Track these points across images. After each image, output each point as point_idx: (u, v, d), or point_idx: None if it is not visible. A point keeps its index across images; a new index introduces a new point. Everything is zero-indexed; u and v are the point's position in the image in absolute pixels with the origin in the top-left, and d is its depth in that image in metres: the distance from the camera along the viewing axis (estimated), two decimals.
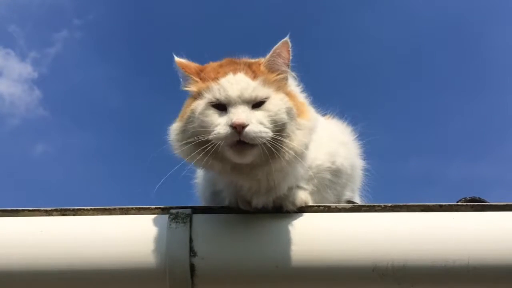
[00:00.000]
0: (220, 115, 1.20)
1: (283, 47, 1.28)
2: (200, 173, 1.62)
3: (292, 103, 1.24)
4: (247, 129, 1.15)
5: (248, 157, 1.17)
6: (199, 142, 1.19)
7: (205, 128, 1.20)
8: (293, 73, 1.33)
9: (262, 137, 1.15)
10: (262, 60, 1.31)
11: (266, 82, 1.24)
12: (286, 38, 1.28)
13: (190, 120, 1.24)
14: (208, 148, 1.17)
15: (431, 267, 1.21)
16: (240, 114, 1.17)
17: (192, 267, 1.20)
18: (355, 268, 1.22)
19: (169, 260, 1.20)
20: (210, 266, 1.21)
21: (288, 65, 1.30)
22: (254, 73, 1.25)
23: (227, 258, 1.22)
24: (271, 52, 1.29)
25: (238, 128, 1.15)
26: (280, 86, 1.27)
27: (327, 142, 1.43)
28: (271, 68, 1.28)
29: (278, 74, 1.28)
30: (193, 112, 1.24)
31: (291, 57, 1.29)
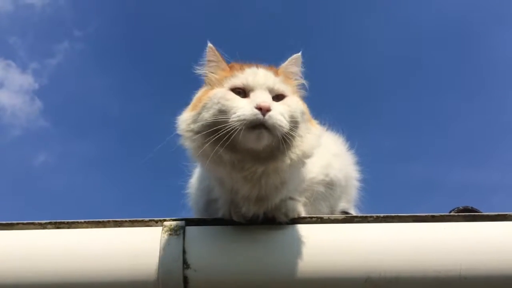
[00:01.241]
0: (242, 100, 1.22)
1: (297, 60, 1.37)
2: (193, 183, 1.63)
3: (305, 108, 1.29)
4: (270, 113, 1.17)
5: (264, 141, 1.17)
6: (214, 130, 1.18)
7: (225, 112, 1.19)
8: (304, 83, 1.38)
9: (281, 126, 1.17)
10: (279, 67, 1.37)
11: (284, 82, 1.29)
12: (299, 53, 1.37)
13: (207, 106, 1.23)
14: (224, 133, 1.16)
15: (423, 277, 1.21)
16: (265, 97, 1.21)
17: (185, 279, 1.20)
18: (348, 279, 1.22)
19: (163, 272, 1.21)
20: (203, 278, 1.22)
21: (300, 77, 1.37)
22: (275, 72, 1.31)
23: (220, 270, 1.23)
24: (287, 61, 1.37)
25: (263, 110, 1.16)
26: (294, 91, 1.33)
27: (321, 155, 1.43)
28: (287, 74, 1.35)
29: (293, 83, 1.35)
30: (210, 98, 1.24)
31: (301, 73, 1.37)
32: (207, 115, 1.21)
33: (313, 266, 1.23)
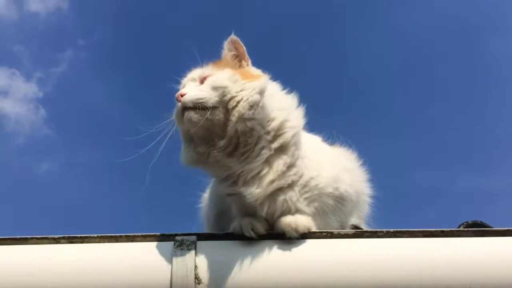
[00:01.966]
0: None
1: (229, 43, 1.50)
2: (205, 197, 1.67)
3: (236, 73, 1.40)
4: (185, 96, 1.34)
5: (194, 118, 1.32)
6: (183, 140, 1.41)
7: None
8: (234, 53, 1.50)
9: (199, 99, 1.33)
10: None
11: (215, 67, 1.45)
12: (231, 36, 1.50)
13: None
14: (181, 134, 1.41)
15: None
16: (182, 90, 1.37)
17: None
18: None
19: (174, 287, 1.22)
20: None
21: (237, 54, 1.50)
22: (205, 66, 1.48)
23: (231, 285, 1.23)
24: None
25: (178, 99, 1.35)
26: (229, 67, 1.44)
27: (330, 167, 1.44)
28: (224, 58, 1.49)
29: (226, 61, 1.48)
30: None
31: (243, 48, 1.50)
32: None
33: (323, 281, 1.24)
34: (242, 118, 1.31)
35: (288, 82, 1.52)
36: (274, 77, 1.50)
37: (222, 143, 1.33)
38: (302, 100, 1.49)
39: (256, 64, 1.53)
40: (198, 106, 1.32)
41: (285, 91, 1.50)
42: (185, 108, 1.33)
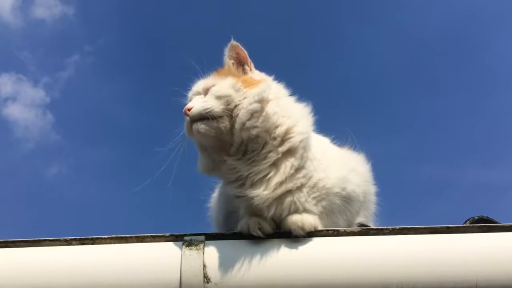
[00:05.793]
0: None
1: (231, 49, 1.52)
2: (214, 197, 1.69)
3: (238, 80, 1.42)
4: (192, 109, 1.38)
5: (202, 129, 1.36)
6: (198, 149, 1.46)
7: None
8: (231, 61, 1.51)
9: (205, 109, 1.37)
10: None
11: (217, 76, 1.47)
12: (231, 41, 1.52)
13: None
14: (196, 144, 1.46)
15: None
16: (189, 104, 1.41)
17: None
18: None
19: (184, 286, 1.24)
20: None
21: (239, 59, 1.51)
22: (207, 76, 1.51)
23: (239, 283, 1.25)
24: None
25: (185, 113, 1.40)
26: (231, 74, 1.46)
27: (338, 167, 1.46)
28: (225, 68, 1.51)
29: (229, 69, 1.49)
30: None
31: (244, 52, 1.51)
32: None
33: (330, 278, 1.26)
34: (245, 127, 1.35)
35: (295, 81, 1.54)
36: (280, 78, 1.52)
37: (232, 149, 1.37)
38: (309, 99, 1.51)
39: (261, 64, 1.54)
40: (205, 117, 1.37)
41: (292, 97, 1.50)
42: (193, 120, 1.38)
